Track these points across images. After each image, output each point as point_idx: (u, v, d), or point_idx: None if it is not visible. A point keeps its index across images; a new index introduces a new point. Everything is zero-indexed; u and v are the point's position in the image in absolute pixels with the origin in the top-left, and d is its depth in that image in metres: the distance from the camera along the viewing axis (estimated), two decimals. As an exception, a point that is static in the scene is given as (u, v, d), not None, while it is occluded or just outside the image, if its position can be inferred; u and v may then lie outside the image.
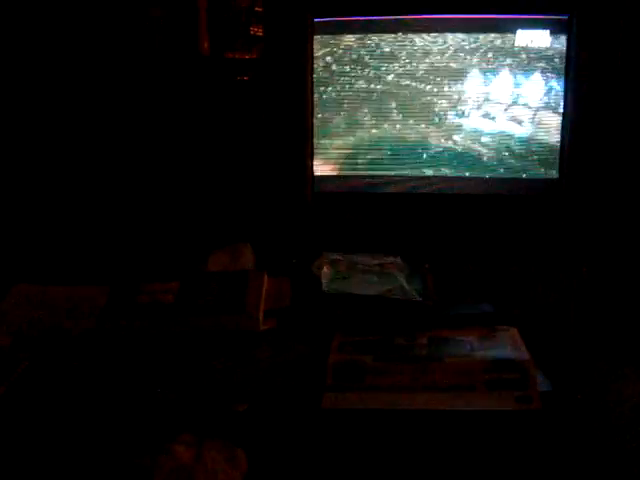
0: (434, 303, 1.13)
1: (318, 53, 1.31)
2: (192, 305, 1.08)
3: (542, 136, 1.31)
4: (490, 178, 1.34)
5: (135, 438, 0.83)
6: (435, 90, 1.30)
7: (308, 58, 1.32)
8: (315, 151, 1.36)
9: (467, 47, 1.28)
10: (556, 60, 1.27)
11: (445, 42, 1.28)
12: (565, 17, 1.25)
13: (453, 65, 1.29)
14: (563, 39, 1.26)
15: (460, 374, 0.98)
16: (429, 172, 1.34)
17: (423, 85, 1.30)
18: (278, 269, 1.24)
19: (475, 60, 1.29)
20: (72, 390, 0.98)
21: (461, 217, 1.36)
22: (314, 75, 1.32)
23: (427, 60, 1.29)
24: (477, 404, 0.94)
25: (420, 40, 1.28)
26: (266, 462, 0.86)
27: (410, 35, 1.28)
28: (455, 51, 1.29)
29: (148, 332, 1.06)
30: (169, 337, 1.04)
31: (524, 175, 1.33)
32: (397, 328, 1.08)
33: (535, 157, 1.32)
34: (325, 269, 1.20)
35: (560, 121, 1.30)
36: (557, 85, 1.28)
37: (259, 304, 1.08)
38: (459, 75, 1.30)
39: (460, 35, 1.28)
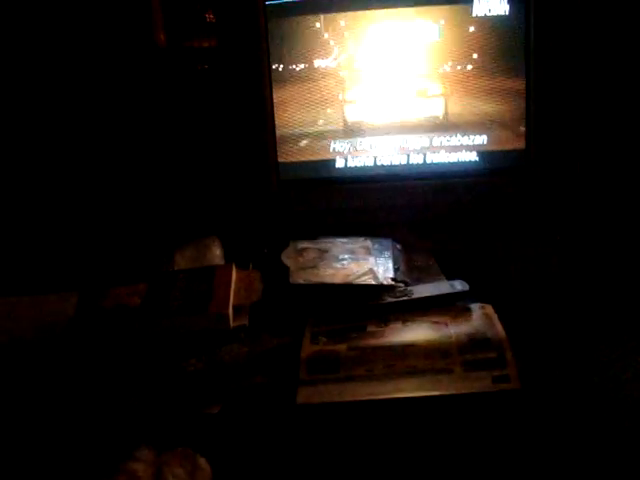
0: (406, 285, 1.11)
1: (273, 36, 1.28)
2: (158, 307, 1.05)
3: (507, 106, 1.29)
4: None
5: (95, 454, 0.80)
6: (393, 66, 1.27)
7: (262, 43, 1.28)
8: (278, 137, 1.32)
9: (424, 18, 1.25)
10: (516, 26, 1.25)
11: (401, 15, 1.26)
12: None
13: (410, 37, 1.26)
14: (521, 4, 1.24)
15: (436, 357, 0.97)
16: (397, 157, 1.32)
17: (380, 61, 1.27)
18: (248, 261, 1.22)
19: (434, 30, 1.26)
20: (31, 401, 0.95)
21: (429, 194, 1.33)
22: (271, 59, 1.28)
23: (383, 35, 1.26)
24: (454, 388, 0.92)
25: (371, 15, 1.25)
26: (241, 465, 0.84)
27: (363, 11, 1.25)
28: (412, 23, 1.26)
29: (114, 338, 1.02)
30: (136, 342, 1.01)
31: (491, 147, 1.31)
32: (369, 314, 1.06)
33: (501, 127, 1.30)
34: (293, 259, 1.17)
35: (524, 88, 1.27)
36: (519, 52, 1.26)
37: (227, 301, 1.05)
38: (417, 47, 1.26)
39: (416, 8, 1.25)
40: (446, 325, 1.03)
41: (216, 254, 1.25)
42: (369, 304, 1.07)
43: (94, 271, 1.25)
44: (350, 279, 1.09)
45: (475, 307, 1.07)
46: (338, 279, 1.09)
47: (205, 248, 1.25)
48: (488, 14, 1.24)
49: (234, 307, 1.06)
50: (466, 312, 1.06)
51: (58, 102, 1.38)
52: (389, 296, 1.08)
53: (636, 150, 1.34)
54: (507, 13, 1.24)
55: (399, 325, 1.04)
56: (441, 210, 1.35)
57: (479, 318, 1.04)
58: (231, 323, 1.03)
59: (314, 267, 1.14)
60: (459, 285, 1.10)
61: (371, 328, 1.03)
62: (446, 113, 1.28)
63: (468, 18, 1.24)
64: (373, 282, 1.09)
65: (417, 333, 1.02)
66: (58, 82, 1.38)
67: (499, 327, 1.01)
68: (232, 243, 1.29)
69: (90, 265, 1.28)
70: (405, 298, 1.08)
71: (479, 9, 1.24)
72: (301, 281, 1.10)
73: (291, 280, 1.10)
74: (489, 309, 1.06)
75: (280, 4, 1.27)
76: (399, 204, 1.34)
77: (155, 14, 1.39)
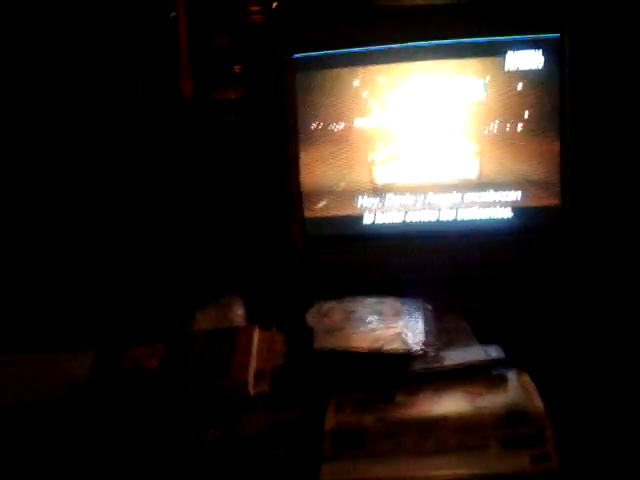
0: (437, 351, 1.05)
1: (300, 90, 1.25)
2: (176, 371, 1.01)
3: (543, 162, 1.24)
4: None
5: None
6: (423, 126, 1.25)
7: (289, 97, 1.26)
8: (304, 192, 1.29)
9: (457, 74, 1.22)
10: (550, 81, 1.21)
11: (434, 70, 1.23)
12: (556, 37, 1.20)
13: (443, 94, 1.23)
14: (556, 59, 1.20)
15: (470, 432, 0.90)
16: (427, 214, 1.28)
17: (409, 121, 1.24)
18: (272, 320, 1.17)
19: (466, 86, 1.22)
20: (42, 464, 0.91)
21: (460, 252, 1.29)
22: (299, 113, 1.26)
23: (414, 92, 1.23)
24: (489, 467, 0.86)
25: (405, 69, 1.23)
26: None
27: (393, 65, 1.22)
28: (445, 79, 1.23)
29: (129, 402, 0.98)
30: (151, 407, 0.97)
31: (525, 203, 1.26)
32: (398, 382, 1.00)
33: (535, 184, 1.25)
34: (318, 320, 1.12)
35: (559, 145, 1.23)
36: (553, 107, 1.22)
37: (248, 366, 1.00)
38: (449, 104, 1.23)
39: (449, 61, 1.22)
40: (480, 395, 0.97)
41: (238, 314, 1.20)
42: (398, 372, 1.01)
43: (113, 329, 1.22)
44: (378, 346, 1.04)
45: (511, 375, 1.01)
46: (365, 345, 1.04)
47: (227, 308, 1.21)
48: (522, 68, 1.21)
49: (255, 371, 1.01)
50: (502, 381, 1.00)
51: (83, 154, 1.37)
52: (419, 363, 1.03)
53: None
54: (541, 68, 1.21)
55: (429, 394, 0.98)
56: (473, 269, 1.29)
57: (516, 388, 0.98)
58: (251, 391, 0.98)
59: (340, 330, 1.09)
60: (494, 352, 1.05)
61: (400, 398, 0.97)
62: (480, 174, 1.24)
63: (502, 73, 1.21)
64: (402, 350, 1.03)
65: (449, 404, 0.96)
66: (84, 134, 1.36)
67: (537, 399, 0.94)
68: (255, 302, 1.24)
69: (109, 323, 1.24)
70: (436, 365, 1.02)
71: (512, 63, 1.21)
72: (326, 346, 1.05)
73: (315, 345, 1.05)
74: (526, 378, 1.00)
75: (309, 57, 1.25)
76: (429, 262, 1.29)
77: (183, 65, 1.37)
